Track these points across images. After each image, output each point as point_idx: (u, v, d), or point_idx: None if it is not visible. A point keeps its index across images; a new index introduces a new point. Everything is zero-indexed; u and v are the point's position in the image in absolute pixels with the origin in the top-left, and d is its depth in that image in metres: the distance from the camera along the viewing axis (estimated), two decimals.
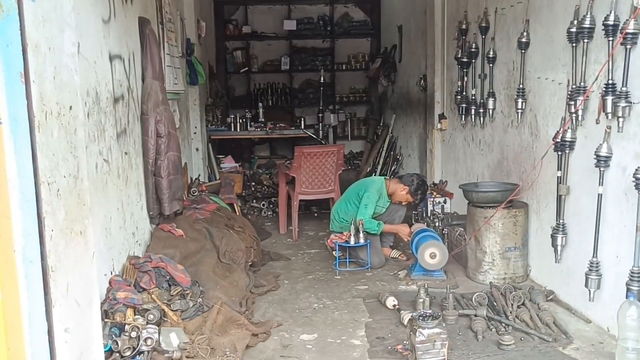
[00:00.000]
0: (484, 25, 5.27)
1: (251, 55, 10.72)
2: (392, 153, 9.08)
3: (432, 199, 6.32)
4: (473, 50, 5.54)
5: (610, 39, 3.33)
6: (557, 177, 3.99)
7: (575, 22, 3.71)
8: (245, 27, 10.45)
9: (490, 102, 5.19)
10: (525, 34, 4.47)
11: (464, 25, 5.79)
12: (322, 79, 8.97)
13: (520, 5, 4.61)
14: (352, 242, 4.91)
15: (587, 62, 3.63)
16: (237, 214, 6.35)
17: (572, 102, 3.75)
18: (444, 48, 6.59)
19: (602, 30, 3.37)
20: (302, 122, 7.80)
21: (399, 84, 9.01)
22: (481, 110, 5.40)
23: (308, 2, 10.52)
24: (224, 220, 5.13)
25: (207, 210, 5.14)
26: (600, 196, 3.50)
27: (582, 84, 3.66)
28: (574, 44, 3.75)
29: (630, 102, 3.21)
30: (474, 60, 5.60)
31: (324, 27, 10.62)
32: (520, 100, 4.55)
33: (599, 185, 3.48)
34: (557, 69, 4.06)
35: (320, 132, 7.53)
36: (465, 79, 5.81)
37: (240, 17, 10.61)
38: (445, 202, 6.44)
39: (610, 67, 3.35)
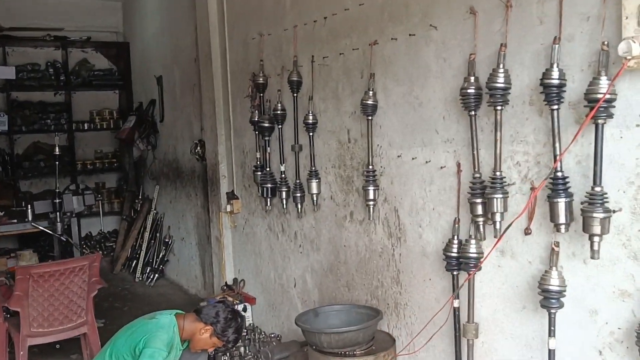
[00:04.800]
0: (295, 79, 3.83)
1: None
2: (158, 235, 7.15)
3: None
4: (279, 112, 4.04)
5: (556, 107, 2.10)
6: (454, 309, 2.64)
7: (472, 78, 2.44)
8: None
9: (314, 184, 3.73)
10: (371, 93, 3.12)
11: (260, 79, 4.28)
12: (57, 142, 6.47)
13: (356, 54, 3.26)
14: None
15: (502, 139, 2.36)
16: None
17: (477, 200, 2.45)
18: (230, 107, 5.00)
19: (542, 93, 2.12)
20: (30, 211, 5.30)
21: (162, 149, 7.14)
22: (298, 194, 3.91)
23: (32, 44, 8.02)
24: None
25: None
26: (552, 353, 2.20)
27: (497, 173, 2.37)
28: (472, 111, 2.47)
29: (610, 211, 1.98)
30: (280, 126, 4.10)
31: (55, 76, 8.23)
32: (371, 189, 3.14)
33: (549, 336, 2.18)
34: (435, 145, 2.75)
35: (59, 224, 5.21)
36: (269, 149, 4.28)
37: None
38: (245, 310, 4.78)
39: (558, 153, 2.11)
